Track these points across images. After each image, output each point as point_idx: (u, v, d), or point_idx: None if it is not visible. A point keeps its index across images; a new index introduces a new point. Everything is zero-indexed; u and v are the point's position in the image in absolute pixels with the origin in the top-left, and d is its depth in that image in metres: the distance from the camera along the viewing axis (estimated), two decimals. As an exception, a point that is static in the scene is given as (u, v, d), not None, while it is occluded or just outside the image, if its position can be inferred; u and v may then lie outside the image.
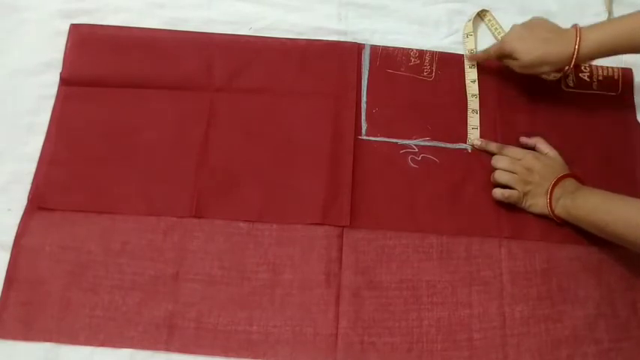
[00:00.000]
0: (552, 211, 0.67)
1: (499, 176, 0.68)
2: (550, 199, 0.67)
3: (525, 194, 0.68)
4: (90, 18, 0.78)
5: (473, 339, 0.64)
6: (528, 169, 0.68)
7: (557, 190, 0.66)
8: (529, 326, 0.64)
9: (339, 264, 0.66)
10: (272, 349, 0.62)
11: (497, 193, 0.68)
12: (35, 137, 0.71)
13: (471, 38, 0.78)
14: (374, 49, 0.77)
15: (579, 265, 0.67)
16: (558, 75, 0.72)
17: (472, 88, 0.75)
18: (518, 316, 0.65)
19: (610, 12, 0.80)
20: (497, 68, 0.76)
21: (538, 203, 0.68)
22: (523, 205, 0.68)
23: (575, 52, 0.64)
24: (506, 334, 0.64)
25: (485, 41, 0.79)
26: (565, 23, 0.80)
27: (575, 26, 0.66)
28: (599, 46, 0.64)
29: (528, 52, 0.67)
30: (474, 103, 0.74)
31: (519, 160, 0.69)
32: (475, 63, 0.76)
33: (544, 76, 0.72)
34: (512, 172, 0.68)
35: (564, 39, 0.65)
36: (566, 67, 0.66)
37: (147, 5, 0.79)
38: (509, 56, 0.69)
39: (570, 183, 0.67)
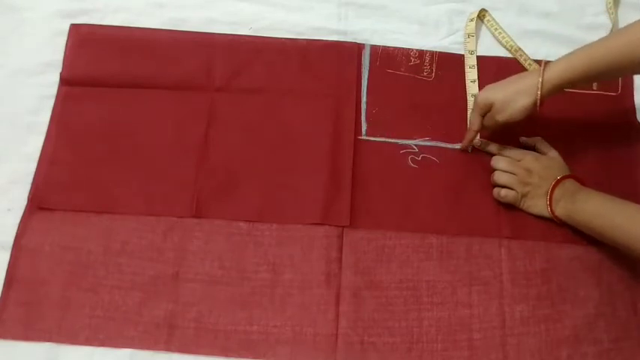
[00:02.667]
0: (553, 213, 0.67)
1: (498, 177, 0.68)
2: (550, 200, 0.67)
3: (524, 195, 0.68)
4: (90, 18, 0.78)
5: (473, 339, 0.64)
6: (528, 170, 0.68)
7: (557, 192, 0.66)
8: (529, 326, 0.64)
9: (339, 264, 0.66)
10: (272, 349, 0.62)
11: (495, 192, 0.69)
12: (35, 137, 0.71)
13: (472, 39, 0.78)
14: (374, 49, 0.77)
15: (579, 265, 0.67)
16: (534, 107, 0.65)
17: (472, 88, 0.75)
18: (518, 316, 0.65)
19: (613, 12, 0.80)
20: (497, 69, 0.76)
21: (537, 204, 0.68)
22: (521, 205, 0.68)
23: (540, 79, 0.62)
24: (506, 334, 0.64)
25: (486, 42, 0.79)
26: (565, 23, 0.80)
27: (541, 62, 0.65)
28: (561, 76, 0.62)
29: (500, 91, 0.65)
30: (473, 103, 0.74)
31: (519, 161, 0.69)
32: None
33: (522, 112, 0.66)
34: (512, 173, 0.68)
35: (531, 73, 0.65)
36: (537, 96, 0.63)
37: (147, 5, 0.79)
38: (487, 108, 0.66)
39: (570, 184, 0.67)
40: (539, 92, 0.63)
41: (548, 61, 0.64)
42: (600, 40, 0.62)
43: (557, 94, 0.64)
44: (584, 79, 0.63)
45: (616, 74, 0.70)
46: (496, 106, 0.65)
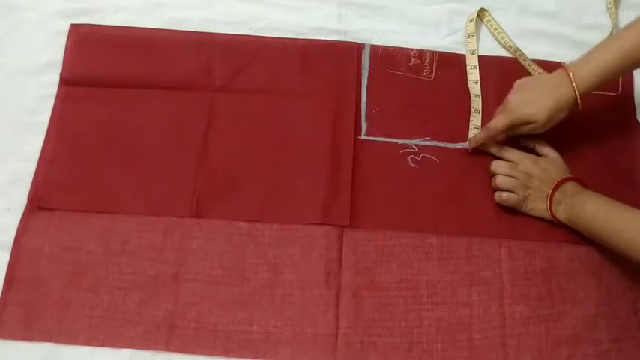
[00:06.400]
0: (553, 216, 0.67)
1: (499, 182, 0.68)
2: (550, 203, 0.66)
3: (525, 199, 0.68)
4: (90, 18, 0.78)
5: (473, 339, 0.64)
6: (527, 174, 0.67)
7: (557, 195, 0.66)
8: (529, 326, 0.64)
9: (339, 264, 0.66)
10: (272, 349, 0.62)
11: (497, 196, 0.68)
12: (35, 137, 0.71)
13: (473, 39, 0.78)
14: (374, 49, 0.77)
15: (579, 265, 0.67)
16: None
17: (475, 88, 0.75)
18: (518, 316, 0.65)
19: (613, 12, 0.80)
20: (498, 68, 0.76)
21: (538, 208, 0.68)
22: (523, 209, 0.68)
23: (575, 89, 0.62)
24: (506, 334, 0.64)
25: (486, 42, 0.79)
26: (565, 23, 0.80)
27: (562, 65, 0.65)
28: (594, 75, 0.62)
29: (542, 109, 0.64)
30: (477, 103, 0.74)
31: (517, 164, 0.68)
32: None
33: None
34: (513, 177, 0.68)
35: (560, 82, 0.64)
36: (578, 106, 0.64)
37: (147, 5, 0.79)
38: (524, 124, 0.66)
39: (570, 186, 0.66)
40: (579, 101, 0.63)
41: (565, 64, 0.63)
42: (623, 31, 0.61)
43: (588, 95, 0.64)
44: (618, 72, 0.62)
45: None
46: (539, 124, 0.64)
